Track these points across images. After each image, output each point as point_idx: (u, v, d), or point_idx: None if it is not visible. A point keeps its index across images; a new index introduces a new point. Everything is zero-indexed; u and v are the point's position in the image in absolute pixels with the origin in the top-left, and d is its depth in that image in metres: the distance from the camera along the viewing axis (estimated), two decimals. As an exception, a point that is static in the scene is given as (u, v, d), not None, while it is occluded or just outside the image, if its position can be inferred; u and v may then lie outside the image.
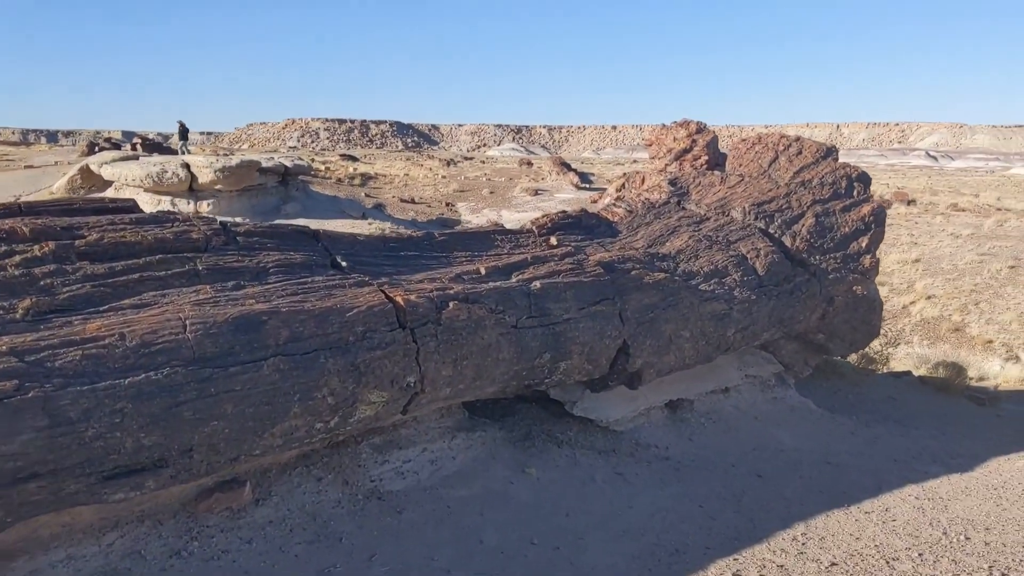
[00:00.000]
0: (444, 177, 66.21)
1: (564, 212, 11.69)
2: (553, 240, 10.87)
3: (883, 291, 36.56)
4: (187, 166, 39.66)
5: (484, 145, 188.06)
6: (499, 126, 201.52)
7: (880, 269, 43.10)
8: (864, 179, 14.17)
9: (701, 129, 14.52)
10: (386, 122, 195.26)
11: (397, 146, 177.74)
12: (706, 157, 14.17)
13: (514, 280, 8.86)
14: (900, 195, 51.61)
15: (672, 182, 13.57)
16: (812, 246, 13.02)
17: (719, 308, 11.04)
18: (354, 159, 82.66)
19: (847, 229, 13.41)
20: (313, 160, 76.08)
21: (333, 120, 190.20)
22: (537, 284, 8.84)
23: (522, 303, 8.57)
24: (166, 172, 39.01)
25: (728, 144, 16.26)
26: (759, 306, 11.71)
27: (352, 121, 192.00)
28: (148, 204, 39.97)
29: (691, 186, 13.68)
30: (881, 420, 14.93)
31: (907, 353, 29.48)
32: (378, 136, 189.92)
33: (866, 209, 13.66)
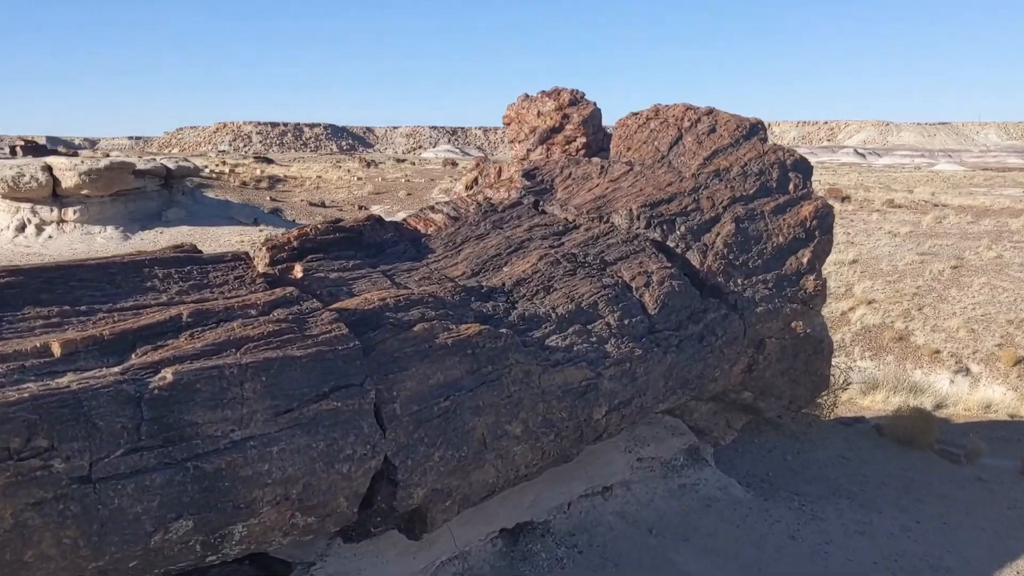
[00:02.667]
0: (360, 179, 61.35)
1: (335, 222, 7.11)
2: (298, 271, 6.28)
3: (820, 296, 32.39)
4: (49, 169, 34.39)
5: (419, 147, 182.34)
6: (434, 128, 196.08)
7: (816, 272, 38.73)
8: (802, 168, 9.82)
9: (576, 100, 10.06)
10: (320, 125, 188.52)
11: (331, 149, 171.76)
12: (583, 139, 9.72)
13: (119, 368, 4.22)
14: (834, 192, 48.06)
15: (528, 174, 9.08)
16: (732, 265, 8.62)
17: (577, 376, 6.54)
18: (269, 161, 77.20)
19: (781, 239, 9.04)
20: (224, 163, 70.66)
21: (266, 123, 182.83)
22: (167, 375, 4.23)
23: (121, 420, 3.95)
24: (23, 176, 33.70)
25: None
26: (649, 365, 7.25)
27: (285, 124, 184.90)
28: (6, 213, 34.71)
29: (556, 179, 9.18)
30: (832, 498, 10.61)
31: (850, 367, 25.47)
32: (312, 139, 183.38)
33: (807, 210, 9.30)
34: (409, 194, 55.99)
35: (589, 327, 7.03)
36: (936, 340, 29.48)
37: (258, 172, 60.12)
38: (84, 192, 34.43)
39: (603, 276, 7.63)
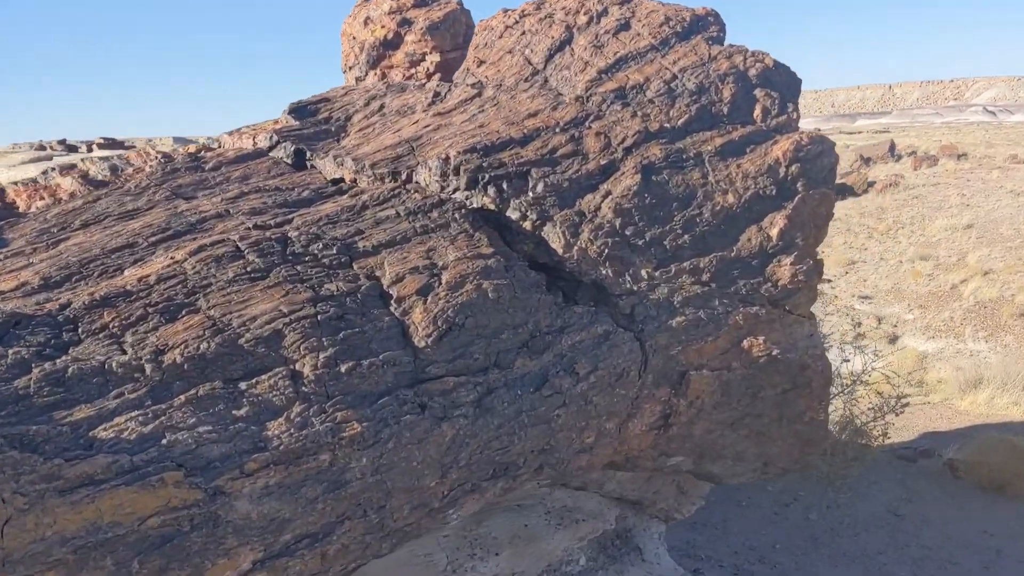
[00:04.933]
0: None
1: None
2: None
3: (927, 267, 27.46)
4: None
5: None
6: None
7: (924, 237, 33.02)
8: (780, 81, 5.90)
9: (425, 1, 6.35)
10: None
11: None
12: (436, 57, 6.13)
13: None
14: (948, 149, 42.10)
15: (303, 109, 5.57)
16: (629, 245, 4.87)
17: (147, 504, 2.98)
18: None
19: (731, 198, 5.22)
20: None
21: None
22: None
23: None
24: None
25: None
26: (392, 448, 3.61)
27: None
28: None
29: (356, 116, 5.61)
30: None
31: (958, 351, 20.87)
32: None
33: (781, 149, 5.43)
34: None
35: (241, 386, 3.44)
36: (1067, 317, 24.13)
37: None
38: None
39: (332, 278, 4.01)
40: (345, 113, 5.66)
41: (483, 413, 4.03)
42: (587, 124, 5.34)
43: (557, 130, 5.25)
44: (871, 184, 37.64)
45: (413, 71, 6.33)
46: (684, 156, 5.35)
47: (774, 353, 5.16)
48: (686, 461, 5.43)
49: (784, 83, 5.96)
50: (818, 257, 5.72)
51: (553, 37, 5.88)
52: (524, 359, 4.30)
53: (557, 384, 4.33)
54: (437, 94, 5.70)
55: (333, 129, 5.48)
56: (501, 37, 6.12)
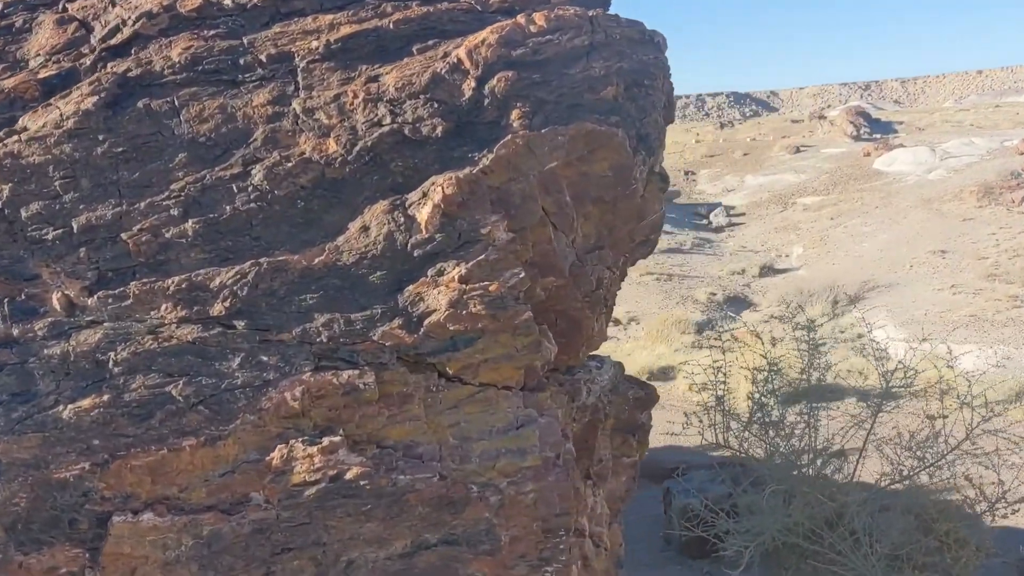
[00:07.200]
0: (698, 141, 54.73)
1: None
2: None
3: None
4: None
5: (828, 106, 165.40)
6: (844, 84, 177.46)
7: None
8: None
9: None
10: (722, 94, 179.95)
11: (735, 116, 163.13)
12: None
13: None
14: None
15: None
16: (19, 237, 2.16)
17: None
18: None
19: (334, 145, 2.44)
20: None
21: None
22: None
23: None
24: None
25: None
26: None
27: (687, 96, 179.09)
28: None
29: None
30: None
31: None
32: (714, 108, 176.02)
33: (468, 46, 2.44)
34: (746, 154, 48.60)
35: None
36: None
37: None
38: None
39: None
40: None
41: None
42: (60, 5, 2.70)
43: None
44: None
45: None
46: (239, 61, 2.56)
47: (348, 475, 2.25)
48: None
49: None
50: (598, 266, 2.67)
51: None
52: None
53: None
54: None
55: None
56: None
